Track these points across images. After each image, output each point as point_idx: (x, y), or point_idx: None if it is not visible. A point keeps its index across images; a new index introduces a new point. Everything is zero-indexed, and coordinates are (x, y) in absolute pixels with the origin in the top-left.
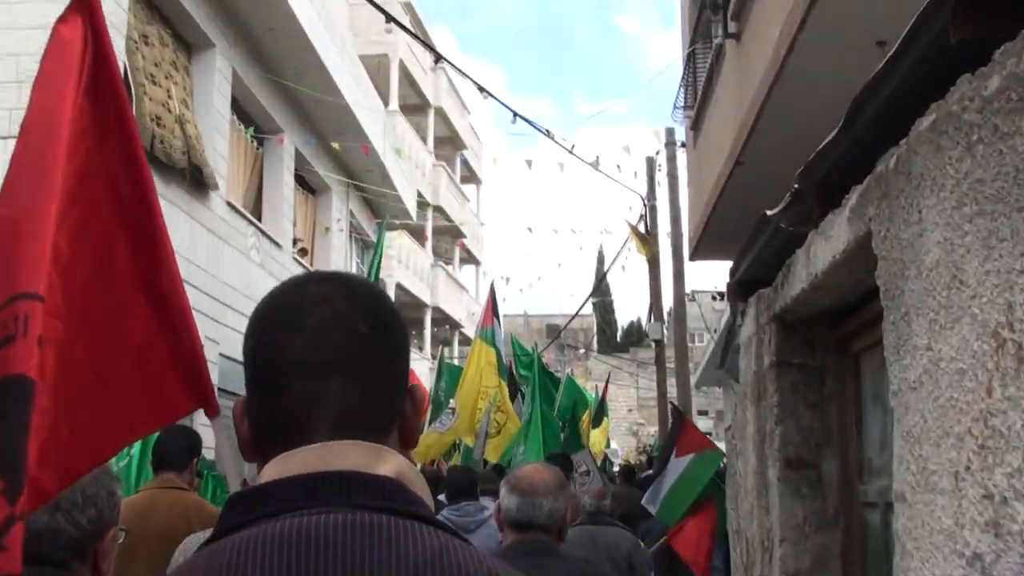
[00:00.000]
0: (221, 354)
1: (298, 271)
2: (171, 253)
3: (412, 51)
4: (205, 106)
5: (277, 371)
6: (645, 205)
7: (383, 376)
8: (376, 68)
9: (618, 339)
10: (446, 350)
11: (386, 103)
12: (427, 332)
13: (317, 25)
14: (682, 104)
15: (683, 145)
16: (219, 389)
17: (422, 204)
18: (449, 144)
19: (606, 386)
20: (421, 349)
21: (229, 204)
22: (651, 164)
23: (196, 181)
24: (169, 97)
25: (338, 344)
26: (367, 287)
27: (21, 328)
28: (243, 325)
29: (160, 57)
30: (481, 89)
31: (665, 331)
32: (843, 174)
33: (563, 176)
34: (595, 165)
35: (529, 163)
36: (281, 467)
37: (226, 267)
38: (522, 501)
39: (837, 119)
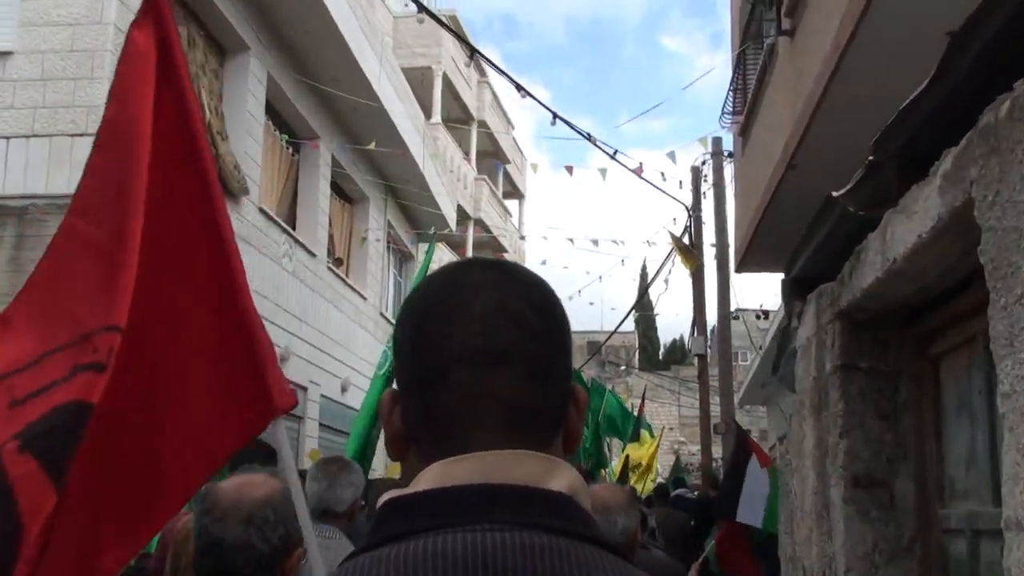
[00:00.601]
0: None
1: (333, 282)
2: (242, 269)
3: (456, 64)
4: (238, 110)
5: (441, 359)
6: (690, 216)
7: (552, 372)
8: (419, 81)
9: (660, 356)
10: None
11: (428, 116)
12: None
13: (355, 29)
14: (730, 110)
15: (730, 155)
16: None
17: (463, 218)
18: (491, 158)
19: (643, 401)
20: None
21: (262, 211)
22: (696, 174)
23: (226, 186)
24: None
25: (508, 333)
26: (533, 276)
27: (110, 360)
28: (274, 335)
29: (188, 58)
30: (519, 88)
31: (708, 347)
32: (930, 140)
33: (605, 186)
34: (638, 172)
35: (570, 169)
36: (445, 473)
37: (258, 276)
38: (598, 519)
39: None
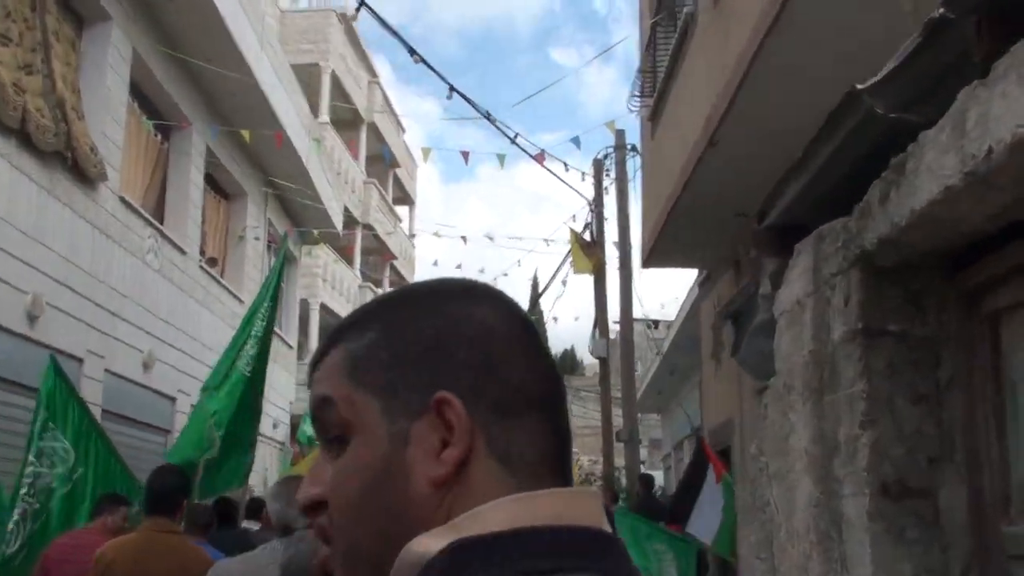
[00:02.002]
0: (108, 370)
1: (206, 282)
2: None
3: (346, 63)
4: (96, 86)
5: (534, 390)
6: (591, 212)
7: None
8: (306, 79)
9: None
10: None
11: (315, 115)
12: None
13: (232, 3)
14: (639, 93)
15: (633, 148)
16: (103, 411)
17: (350, 221)
18: (381, 162)
19: None
20: None
21: (123, 200)
22: (599, 167)
23: (78, 169)
24: (34, 68)
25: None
26: None
27: None
28: (136, 338)
29: (31, 21)
30: (412, 52)
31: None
32: None
33: (501, 184)
34: (539, 159)
35: (466, 156)
36: (523, 511)
37: (116, 271)
38: None
39: (841, 82)
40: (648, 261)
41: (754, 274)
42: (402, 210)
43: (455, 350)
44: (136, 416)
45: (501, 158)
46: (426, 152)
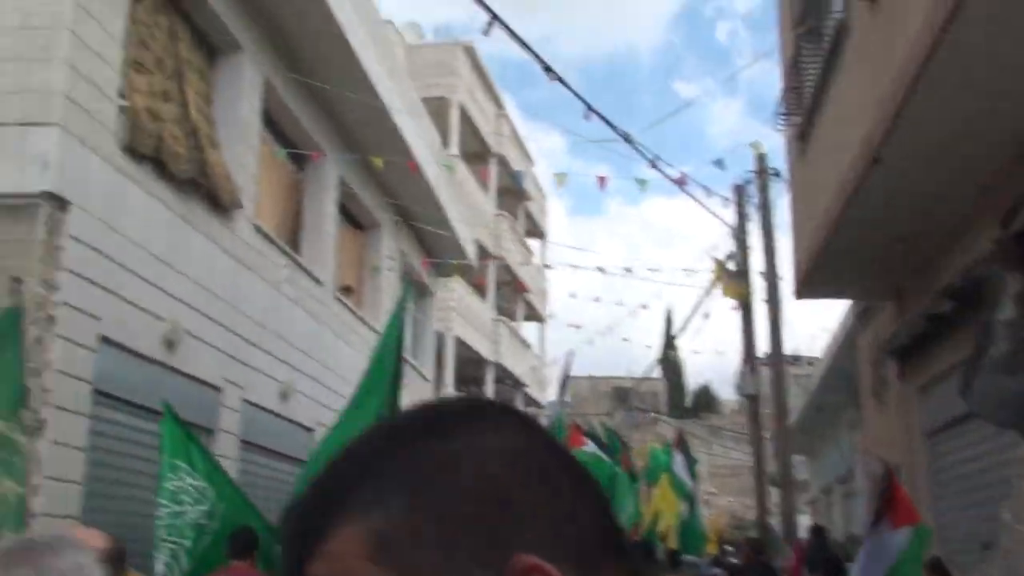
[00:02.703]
0: (245, 400)
1: (341, 312)
2: None
3: (473, 96)
4: (230, 116)
5: (596, 535)
6: (737, 239)
7: None
8: (435, 113)
9: (687, 403)
10: None
11: (445, 146)
12: (488, 389)
13: (362, 35)
14: (784, 111)
15: (776, 173)
16: (241, 441)
17: (482, 254)
18: (511, 195)
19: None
20: None
21: (258, 229)
22: (740, 193)
23: (213, 197)
24: (170, 95)
25: None
26: None
27: None
28: (272, 367)
29: (167, 50)
30: (548, 69)
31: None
32: None
33: (629, 218)
34: (681, 182)
35: (602, 180)
36: None
37: (252, 300)
38: None
39: None
40: (801, 291)
41: (924, 302)
42: (533, 243)
43: (513, 495)
44: (273, 447)
45: (641, 183)
46: (560, 178)
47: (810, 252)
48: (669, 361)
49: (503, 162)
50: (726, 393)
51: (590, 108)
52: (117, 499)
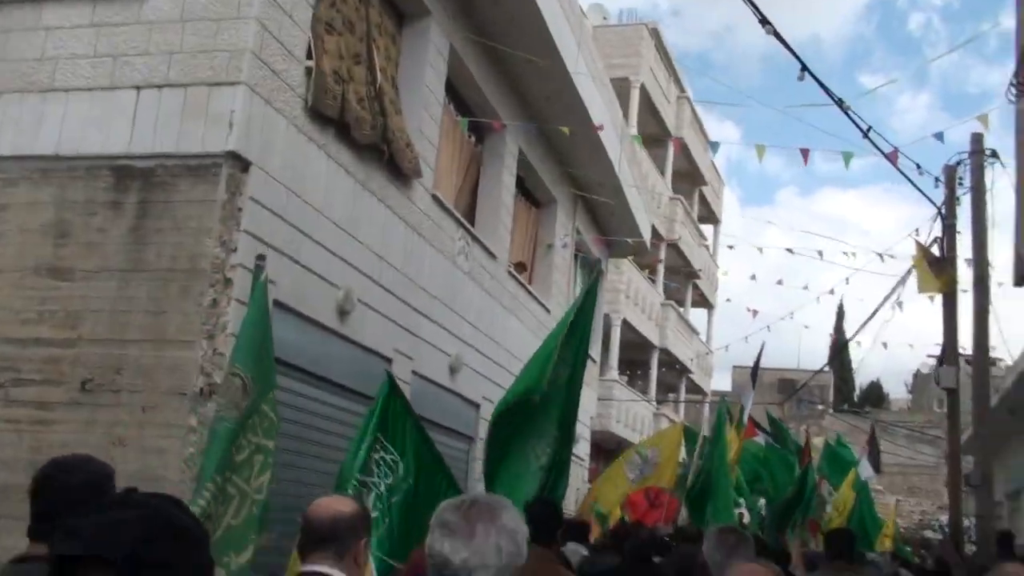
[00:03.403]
0: (415, 372)
1: (513, 288)
2: None
3: (655, 77)
4: (414, 82)
5: None
6: (944, 222)
7: None
8: (616, 93)
9: (855, 399)
10: (671, 396)
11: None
12: (652, 374)
13: (553, 7)
14: (1017, 80)
15: (993, 154)
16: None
17: (655, 237)
18: (688, 180)
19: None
20: (645, 392)
21: (435, 199)
22: (951, 174)
23: (393, 164)
24: (360, 58)
25: None
26: None
27: None
28: (441, 339)
29: (358, 12)
30: (764, 21)
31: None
32: None
33: (797, 208)
34: (892, 158)
35: (805, 154)
36: None
37: (426, 271)
38: None
39: None
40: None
41: None
42: (706, 229)
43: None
44: (441, 421)
45: (847, 157)
46: (760, 150)
47: None
48: (841, 356)
49: (681, 145)
50: (896, 390)
51: (804, 68)
52: (292, 468)
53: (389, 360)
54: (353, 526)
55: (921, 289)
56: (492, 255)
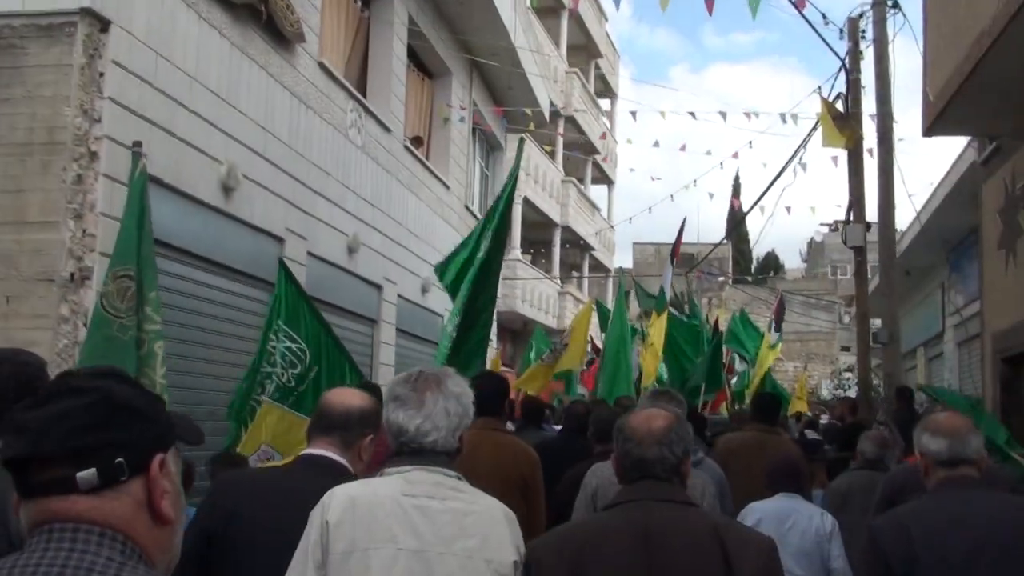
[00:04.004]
0: (310, 253)
1: (411, 164)
2: None
3: None
4: None
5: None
6: (848, 77)
7: None
8: None
9: (752, 270)
10: (575, 274)
11: None
12: (555, 252)
13: None
14: None
15: (895, 5)
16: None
17: (554, 114)
18: (583, 52)
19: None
20: (549, 271)
21: (323, 67)
22: (854, 26)
23: (273, 27)
24: None
25: None
26: None
27: None
28: (336, 218)
29: None
30: None
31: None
32: None
33: (691, 86)
34: (799, 6)
35: (710, 5)
36: None
37: (316, 145)
38: (952, 442)
39: None
40: (934, 126)
41: None
42: (604, 104)
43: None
44: (341, 303)
45: (753, 5)
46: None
47: (951, 80)
48: (739, 227)
49: (575, 17)
50: (791, 260)
51: None
52: (177, 358)
53: (281, 240)
54: (364, 419)
55: (826, 143)
56: (386, 128)
